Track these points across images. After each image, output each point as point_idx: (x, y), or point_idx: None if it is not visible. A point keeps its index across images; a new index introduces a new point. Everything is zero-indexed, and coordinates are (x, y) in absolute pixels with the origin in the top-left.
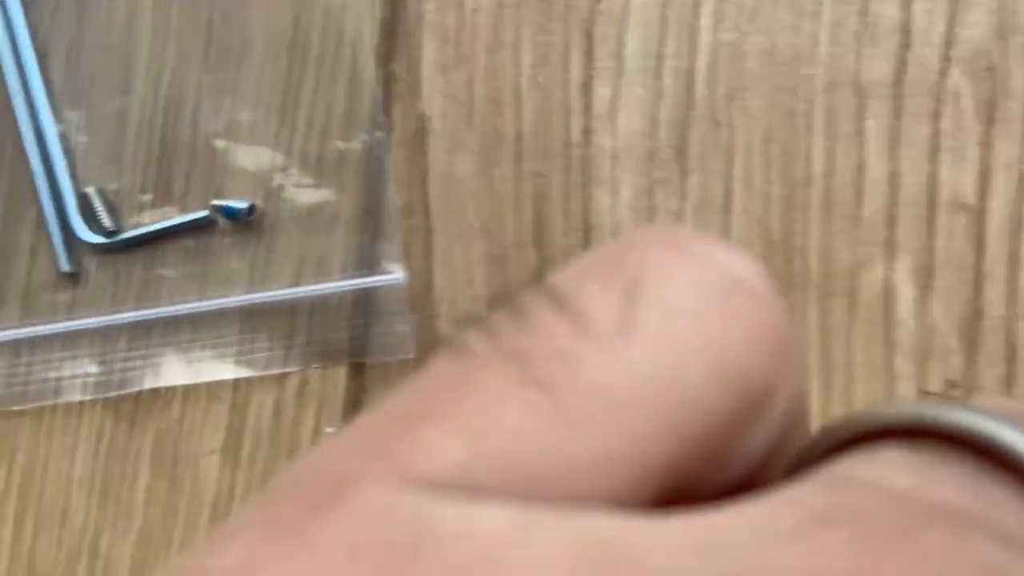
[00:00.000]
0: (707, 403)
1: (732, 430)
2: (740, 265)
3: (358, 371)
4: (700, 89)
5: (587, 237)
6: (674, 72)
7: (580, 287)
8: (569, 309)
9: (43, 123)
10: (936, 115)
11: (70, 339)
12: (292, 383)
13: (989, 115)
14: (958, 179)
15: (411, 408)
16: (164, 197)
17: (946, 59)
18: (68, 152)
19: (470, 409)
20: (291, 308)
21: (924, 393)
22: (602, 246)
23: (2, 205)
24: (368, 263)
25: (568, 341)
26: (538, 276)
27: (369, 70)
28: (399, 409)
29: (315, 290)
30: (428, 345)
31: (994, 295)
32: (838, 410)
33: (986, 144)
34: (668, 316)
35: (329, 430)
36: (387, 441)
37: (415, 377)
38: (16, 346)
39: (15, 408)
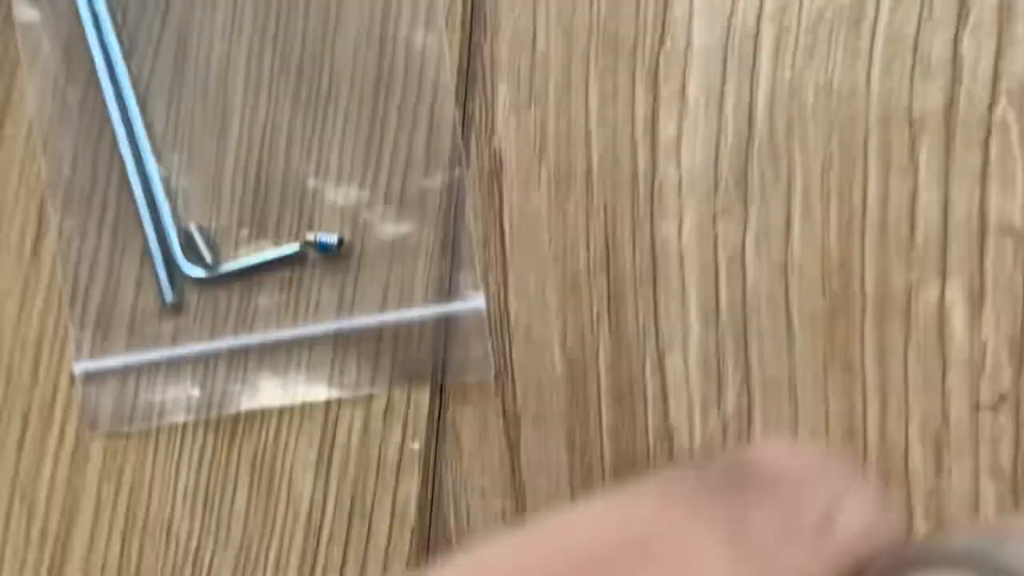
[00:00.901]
0: None
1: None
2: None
3: (440, 392)
4: (760, 123)
5: (655, 264)
6: (735, 107)
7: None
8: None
9: (147, 166)
10: (985, 144)
11: (174, 365)
12: (379, 403)
13: None
14: (1006, 205)
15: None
16: (259, 232)
17: (994, 92)
18: (170, 192)
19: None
20: (377, 333)
21: (976, 407)
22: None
23: (110, 241)
24: (448, 291)
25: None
26: (609, 301)
27: (448, 111)
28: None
29: (400, 316)
30: (504, 368)
31: None
32: (895, 425)
33: None
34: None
35: (414, 446)
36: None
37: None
38: (124, 373)
39: (123, 429)
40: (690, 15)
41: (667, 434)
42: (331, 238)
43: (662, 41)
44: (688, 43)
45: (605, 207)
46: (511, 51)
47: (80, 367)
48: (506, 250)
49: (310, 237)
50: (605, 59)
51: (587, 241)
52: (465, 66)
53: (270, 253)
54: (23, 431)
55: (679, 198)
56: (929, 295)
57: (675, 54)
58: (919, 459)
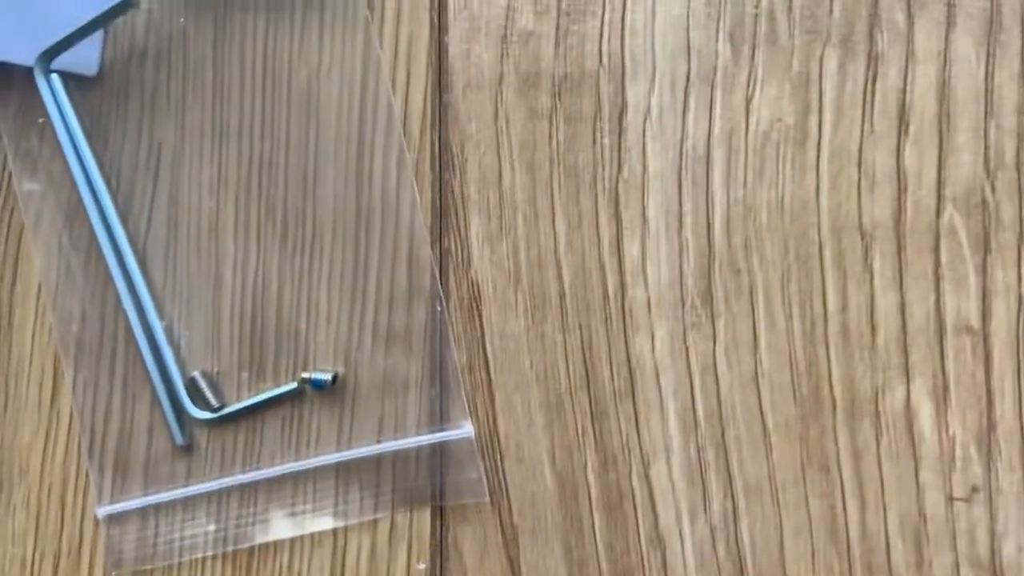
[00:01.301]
0: None
1: None
2: None
3: (441, 513)
4: (719, 241)
5: (631, 379)
6: (693, 227)
7: None
8: None
9: (150, 319)
10: (936, 249)
11: (189, 503)
12: (383, 527)
13: (984, 245)
14: (961, 305)
15: None
16: (259, 374)
17: (940, 198)
18: (173, 342)
19: None
20: (376, 462)
21: (950, 500)
22: None
23: (121, 391)
24: (439, 417)
25: None
26: (592, 417)
27: (424, 251)
28: None
29: (396, 445)
30: (499, 486)
31: (1005, 407)
32: (874, 522)
33: (983, 272)
34: None
35: (420, 566)
36: None
37: None
38: (143, 513)
39: (147, 567)
40: (643, 143)
41: (659, 542)
42: (325, 375)
43: (619, 169)
44: (644, 169)
45: (580, 328)
46: (479, 188)
47: (102, 511)
48: (491, 374)
49: (305, 375)
50: (568, 189)
51: (566, 361)
52: (438, 204)
53: (270, 392)
54: (55, 572)
55: (649, 315)
56: (895, 396)
57: (633, 180)
58: (900, 554)
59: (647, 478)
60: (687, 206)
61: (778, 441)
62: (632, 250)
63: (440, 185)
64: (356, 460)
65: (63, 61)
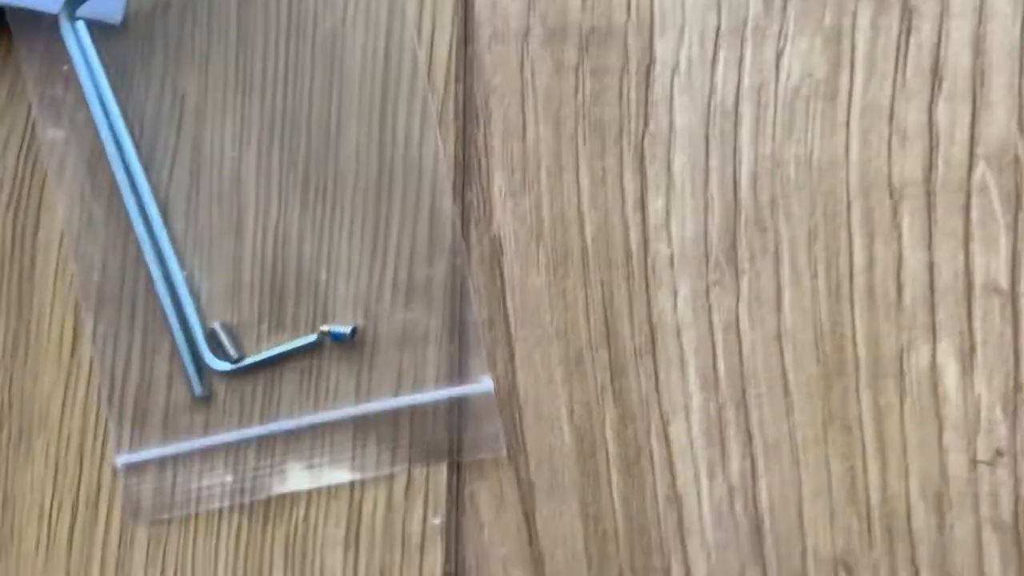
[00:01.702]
0: None
1: None
2: None
3: (457, 467)
4: (745, 197)
5: (652, 335)
6: (719, 183)
7: None
8: None
9: (171, 269)
10: (966, 207)
11: (207, 454)
12: (400, 481)
13: (1016, 203)
14: (990, 265)
15: None
16: (278, 325)
17: (972, 155)
18: (194, 292)
19: None
20: (394, 416)
21: (973, 462)
22: None
23: (141, 341)
24: (458, 372)
25: None
26: (611, 373)
27: (446, 203)
28: None
29: (414, 399)
30: (516, 441)
31: None
32: (896, 484)
33: (1015, 231)
34: None
35: (436, 520)
36: None
37: None
38: (161, 463)
39: (164, 516)
40: (671, 98)
41: (676, 500)
42: (344, 328)
43: (646, 124)
44: (671, 124)
45: (602, 284)
46: (503, 141)
47: (121, 460)
48: (511, 329)
49: (325, 328)
50: (593, 144)
51: (587, 317)
52: (461, 157)
53: (289, 344)
54: (73, 521)
55: (672, 272)
56: (921, 356)
57: (659, 135)
58: (922, 516)
59: (666, 436)
60: (714, 162)
61: (799, 400)
62: (656, 206)
63: (464, 138)
64: (374, 414)
65: (88, 9)
